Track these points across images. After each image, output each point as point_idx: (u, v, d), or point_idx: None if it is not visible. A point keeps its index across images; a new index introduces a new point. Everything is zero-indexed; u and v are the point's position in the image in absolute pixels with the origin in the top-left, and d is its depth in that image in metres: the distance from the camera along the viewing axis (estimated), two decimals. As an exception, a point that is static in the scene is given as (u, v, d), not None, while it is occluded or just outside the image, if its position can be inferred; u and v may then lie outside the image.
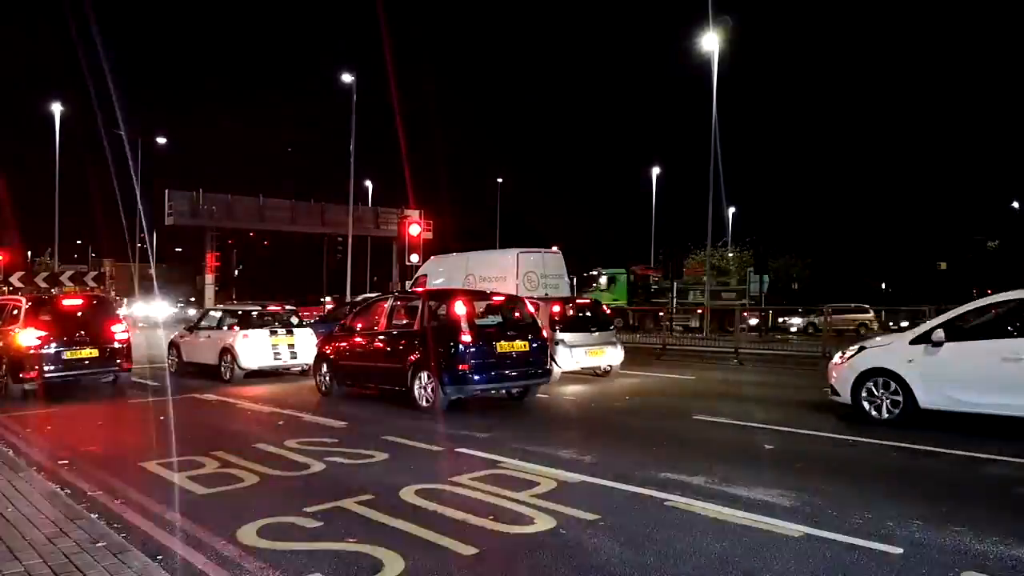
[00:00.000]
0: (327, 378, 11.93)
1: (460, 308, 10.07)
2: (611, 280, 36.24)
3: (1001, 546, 4.67)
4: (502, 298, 11.73)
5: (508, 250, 20.07)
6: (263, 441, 8.02)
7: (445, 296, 10.92)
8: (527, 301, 11.89)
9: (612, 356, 14.13)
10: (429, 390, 9.98)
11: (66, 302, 13.23)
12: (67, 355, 11.92)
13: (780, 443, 8.02)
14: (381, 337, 11.13)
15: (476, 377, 9.84)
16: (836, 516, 5.27)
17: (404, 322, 11.15)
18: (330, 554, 4.60)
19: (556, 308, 13.63)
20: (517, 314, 11.17)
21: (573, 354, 13.26)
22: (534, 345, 10.52)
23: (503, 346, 10.18)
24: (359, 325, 11.89)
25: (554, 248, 20.17)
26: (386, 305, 11.52)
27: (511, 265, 18.25)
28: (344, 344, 11.77)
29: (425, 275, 21.29)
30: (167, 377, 14.58)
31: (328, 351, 12.05)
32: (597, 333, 14.10)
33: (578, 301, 15.23)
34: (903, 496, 5.89)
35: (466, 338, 9.80)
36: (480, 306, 11.01)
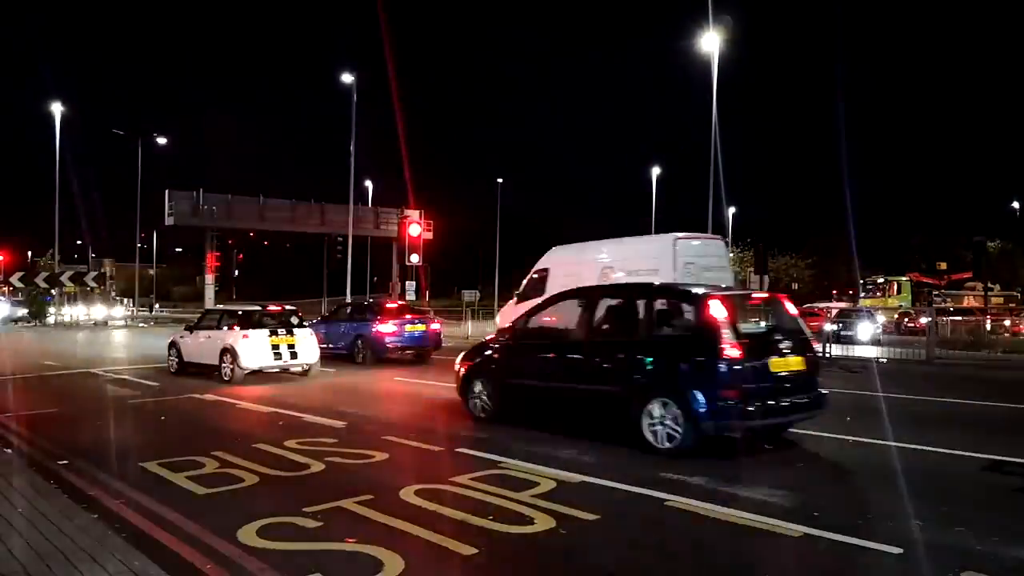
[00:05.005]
0: (487, 399, 9.32)
1: (718, 309, 7.31)
2: (898, 287, 40.32)
3: (1001, 546, 4.67)
4: (764, 295, 9.34)
5: (663, 236, 16.23)
6: (263, 441, 8.02)
7: (688, 295, 8.05)
8: (788, 301, 8.56)
9: None
10: (670, 425, 7.27)
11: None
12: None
13: (780, 443, 8.02)
14: (585, 348, 8.42)
15: (749, 409, 7.10)
16: (836, 516, 5.26)
17: (616, 328, 8.43)
18: (330, 554, 4.59)
19: None
20: (781, 318, 8.22)
21: None
22: (809, 360, 7.88)
23: (777, 363, 7.44)
24: (538, 330, 9.32)
25: (716, 235, 17.30)
26: (584, 304, 8.72)
27: (667, 254, 14.55)
28: (516, 356, 9.15)
29: (546, 269, 17.49)
30: (167, 377, 14.58)
31: (488, 364, 9.45)
32: None
33: None
34: (903, 496, 5.88)
35: (732, 352, 7.09)
36: (741, 307, 8.10)
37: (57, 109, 41.42)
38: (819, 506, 5.56)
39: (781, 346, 7.64)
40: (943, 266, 45.66)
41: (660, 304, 8.15)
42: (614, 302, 8.67)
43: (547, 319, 9.51)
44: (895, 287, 40.73)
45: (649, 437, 7.43)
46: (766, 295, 9.20)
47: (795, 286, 47.50)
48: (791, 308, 8.33)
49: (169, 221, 49.14)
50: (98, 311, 46.72)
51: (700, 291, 7.89)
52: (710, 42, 26.62)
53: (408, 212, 37.17)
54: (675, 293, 8.56)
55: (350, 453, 7.44)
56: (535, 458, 7.09)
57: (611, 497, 5.87)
